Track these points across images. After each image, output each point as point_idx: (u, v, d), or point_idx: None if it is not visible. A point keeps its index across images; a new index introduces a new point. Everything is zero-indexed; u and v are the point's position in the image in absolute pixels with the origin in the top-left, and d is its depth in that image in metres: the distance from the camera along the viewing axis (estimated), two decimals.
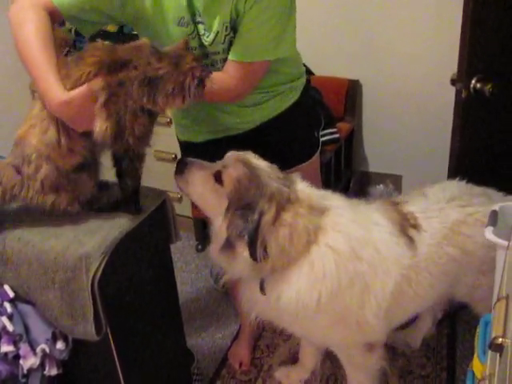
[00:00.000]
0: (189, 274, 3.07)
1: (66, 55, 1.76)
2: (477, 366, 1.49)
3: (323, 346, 2.08)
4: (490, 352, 1.27)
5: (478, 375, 1.47)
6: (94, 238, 1.47)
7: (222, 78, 1.67)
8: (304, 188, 1.65)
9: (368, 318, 1.71)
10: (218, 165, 1.61)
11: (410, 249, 1.72)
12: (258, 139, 1.89)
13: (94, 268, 1.42)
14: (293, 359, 2.44)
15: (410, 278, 1.73)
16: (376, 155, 3.47)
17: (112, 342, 1.56)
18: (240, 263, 1.57)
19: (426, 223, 1.78)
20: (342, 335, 1.79)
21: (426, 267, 1.75)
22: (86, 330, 1.48)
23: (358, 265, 1.63)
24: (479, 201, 1.84)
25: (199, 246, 3.23)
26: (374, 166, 3.48)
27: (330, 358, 2.40)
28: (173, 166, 3.04)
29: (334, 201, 1.70)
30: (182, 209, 3.22)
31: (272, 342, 2.55)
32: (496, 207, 1.76)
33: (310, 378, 2.33)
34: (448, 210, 1.81)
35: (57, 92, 1.39)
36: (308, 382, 2.33)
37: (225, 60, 1.72)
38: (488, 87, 2.20)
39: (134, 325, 1.68)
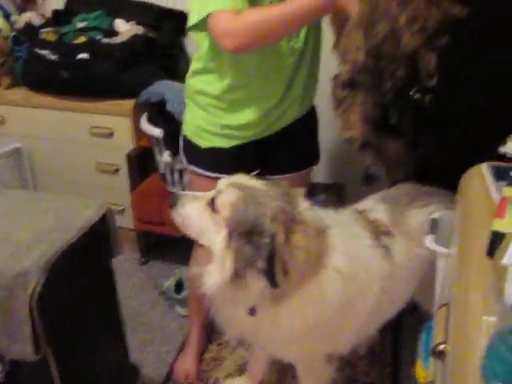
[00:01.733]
0: (132, 287, 3.00)
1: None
2: (419, 371, 1.51)
3: (286, 360, 2.03)
4: (432, 358, 1.28)
5: (421, 380, 1.50)
6: (31, 254, 1.42)
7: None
8: (307, 206, 1.59)
9: (344, 333, 1.72)
10: (211, 193, 1.57)
11: (387, 259, 1.72)
12: (280, 143, 1.97)
13: (32, 285, 1.37)
14: (239, 371, 2.42)
15: (387, 289, 1.72)
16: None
17: (52, 361, 1.51)
18: (253, 292, 1.48)
19: (394, 228, 1.78)
20: (313, 350, 1.79)
21: (401, 274, 1.76)
22: (24, 349, 1.43)
23: (354, 286, 1.62)
24: (437, 199, 1.86)
25: (143, 259, 3.17)
26: (315, 175, 3.50)
27: (276, 369, 2.40)
28: (115, 178, 3.07)
29: (327, 219, 1.66)
30: (125, 221, 3.16)
31: (218, 355, 2.52)
32: (436, 215, 1.80)
33: None
34: (411, 211, 1.82)
35: None
36: None
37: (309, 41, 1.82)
38: (427, 97, 2.25)
39: (75, 342, 1.64)
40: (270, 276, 1.42)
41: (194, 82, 1.96)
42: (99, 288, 1.73)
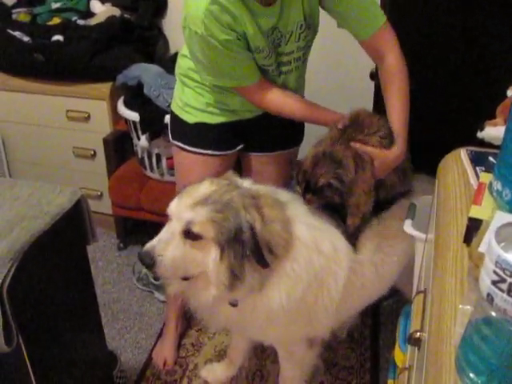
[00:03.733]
0: (111, 273, 2.98)
1: None
2: (398, 355, 1.52)
3: (267, 344, 2.05)
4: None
5: (399, 364, 1.50)
6: (1, 242, 1.38)
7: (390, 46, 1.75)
8: (250, 182, 1.65)
9: (319, 313, 1.71)
10: (174, 226, 1.48)
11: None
12: (267, 122, 1.94)
13: (1, 275, 1.33)
14: (218, 357, 2.41)
15: (357, 271, 1.73)
16: None
17: (25, 352, 1.47)
18: (250, 282, 1.51)
19: None
20: (293, 332, 1.79)
21: (370, 260, 1.77)
22: None
23: (320, 259, 1.63)
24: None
25: (121, 245, 3.13)
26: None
27: (256, 355, 2.40)
28: (92, 163, 3.02)
29: (283, 194, 1.70)
30: (103, 206, 3.13)
31: (197, 341, 2.51)
32: (415, 200, 1.80)
33: (237, 375, 2.32)
34: None
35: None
36: (234, 379, 2.31)
37: (298, 59, 1.84)
38: None
39: (48, 331, 1.60)
40: (261, 259, 1.47)
41: (183, 63, 1.93)
42: (74, 275, 1.69)
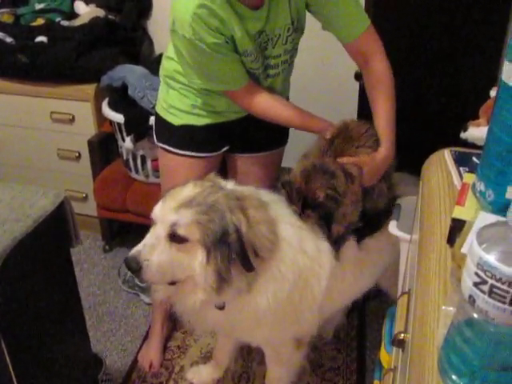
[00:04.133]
0: (96, 275, 2.95)
1: None
2: (384, 356, 1.52)
3: (254, 345, 2.03)
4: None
5: (385, 365, 1.50)
6: None
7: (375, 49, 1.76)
8: (233, 183, 1.64)
9: (304, 312, 1.72)
10: (158, 230, 1.46)
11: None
12: (252, 123, 1.92)
13: None
14: (204, 359, 2.40)
15: (337, 274, 1.74)
16: None
17: (7, 355, 1.46)
18: (237, 285, 1.50)
19: None
20: (280, 332, 1.79)
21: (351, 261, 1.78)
22: None
23: (304, 259, 1.64)
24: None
25: (106, 247, 3.11)
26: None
27: (242, 357, 2.39)
28: (77, 165, 3.00)
29: (266, 195, 1.70)
30: (88, 209, 3.10)
31: (183, 343, 2.50)
32: (400, 201, 1.80)
33: (223, 377, 2.31)
34: None
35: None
36: (220, 381, 2.30)
37: (285, 62, 1.84)
38: None
39: (31, 335, 1.58)
40: (246, 262, 1.46)
41: (168, 65, 1.92)
42: (57, 278, 1.68)
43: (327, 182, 1.62)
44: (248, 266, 1.47)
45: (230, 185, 1.63)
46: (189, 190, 1.50)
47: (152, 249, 1.45)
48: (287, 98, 2.03)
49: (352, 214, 1.70)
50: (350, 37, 1.74)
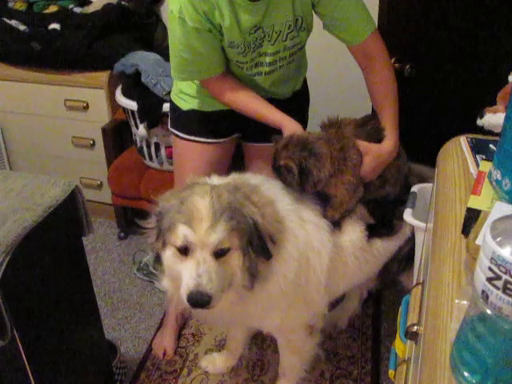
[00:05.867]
0: (111, 263, 2.96)
1: None
2: (399, 345, 1.49)
3: (266, 332, 2.03)
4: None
5: (400, 355, 1.48)
6: None
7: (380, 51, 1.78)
8: (218, 178, 1.65)
9: (312, 293, 1.72)
10: (201, 254, 1.41)
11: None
12: None
13: None
14: (218, 347, 2.40)
15: (340, 252, 1.75)
16: None
17: (20, 345, 1.46)
18: (262, 275, 1.53)
19: None
20: (292, 317, 1.79)
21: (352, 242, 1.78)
22: None
23: (305, 235, 1.65)
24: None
25: (121, 234, 3.12)
26: None
27: (256, 345, 2.38)
28: (91, 152, 3.00)
29: (253, 177, 1.71)
30: (103, 196, 3.11)
31: (197, 331, 2.50)
32: (415, 189, 1.77)
33: (237, 365, 2.30)
34: None
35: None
36: (235, 369, 2.30)
37: (284, 59, 1.82)
38: (407, 67, 2.22)
39: (44, 324, 1.59)
40: (266, 251, 1.49)
41: None
42: (69, 267, 1.67)
43: (298, 157, 1.63)
44: (268, 255, 1.49)
45: (215, 179, 1.63)
46: (201, 203, 1.43)
47: (208, 274, 1.41)
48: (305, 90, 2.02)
49: (350, 202, 1.73)
50: (356, 40, 1.76)
